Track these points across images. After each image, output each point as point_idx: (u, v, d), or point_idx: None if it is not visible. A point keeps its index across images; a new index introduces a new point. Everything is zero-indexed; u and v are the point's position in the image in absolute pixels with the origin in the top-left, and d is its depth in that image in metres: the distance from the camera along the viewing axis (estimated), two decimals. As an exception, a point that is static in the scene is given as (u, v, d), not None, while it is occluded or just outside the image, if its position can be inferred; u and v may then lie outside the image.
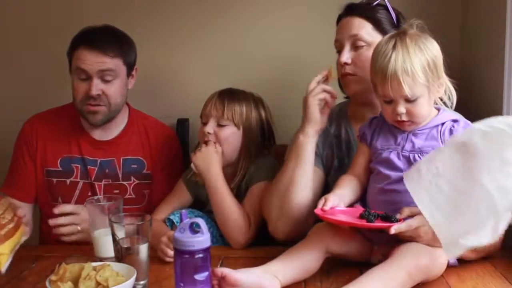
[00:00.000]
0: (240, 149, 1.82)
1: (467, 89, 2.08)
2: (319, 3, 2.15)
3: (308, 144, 1.59)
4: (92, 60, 1.84)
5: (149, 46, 2.23)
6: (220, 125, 1.79)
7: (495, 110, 1.76)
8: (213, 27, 2.24)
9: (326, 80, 1.61)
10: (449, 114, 1.46)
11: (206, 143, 1.78)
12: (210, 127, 1.78)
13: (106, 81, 1.87)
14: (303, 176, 1.58)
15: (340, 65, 1.64)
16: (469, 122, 1.44)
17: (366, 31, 1.61)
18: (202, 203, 1.88)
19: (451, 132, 1.42)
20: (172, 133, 2.10)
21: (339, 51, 1.65)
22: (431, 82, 1.38)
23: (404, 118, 1.41)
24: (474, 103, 1.99)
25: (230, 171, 1.82)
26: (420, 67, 1.37)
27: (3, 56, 2.32)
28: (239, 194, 1.81)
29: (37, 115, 2.02)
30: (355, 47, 1.62)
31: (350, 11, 1.66)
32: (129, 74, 1.95)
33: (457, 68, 2.14)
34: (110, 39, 1.89)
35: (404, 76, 1.36)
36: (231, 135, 1.79)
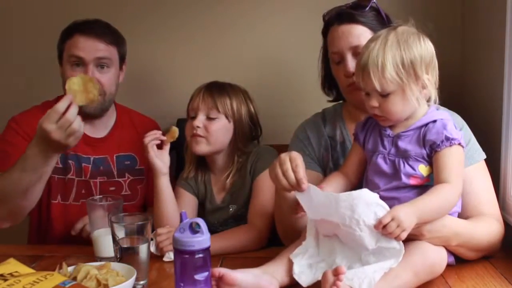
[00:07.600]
0: (231, 141, 1.83)
1: (468, 89, 2.10)
2: (315, 7, 2.15)
3: None
4: (89, 47, 1.84)
5: (150, 46, 2.23)
6: (210, 118, 1.79)
7: (495, 110, 1.76)
8: (212, 29, 2.26)
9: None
10: (436, 114, 1.38)
11: (194, 136, 1.78)
12: (199, 121, 1.78)
13: (101, 70, 1.87)
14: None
15: (347, 76, 1.58)
16: (448, 120, 1.36)
17: (365, 38, 1.51)
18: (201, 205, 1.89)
19: (425, 135, 1.36)
20: (156, 125, 2.06)
21: (339, 61, 1.59)
22: (404, 81, 1.33)
23: (377, 112, 1.37)
24: (475, 104, 1.99)
25: (222, 163, 1.85)
26: (391, 63, 1.32)
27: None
28: (245, 185, 1.82)
29: (21, 114, 1.93)
30: (357, 54, 1.51)
31: (344, 18, 1.58)
32: (121, 66, 1.96)
33: (458, 68, 2.15)
34: (105, 29, 1.91)
35: (374, 68, 1.33)
36: (222, 128, 1.80)
